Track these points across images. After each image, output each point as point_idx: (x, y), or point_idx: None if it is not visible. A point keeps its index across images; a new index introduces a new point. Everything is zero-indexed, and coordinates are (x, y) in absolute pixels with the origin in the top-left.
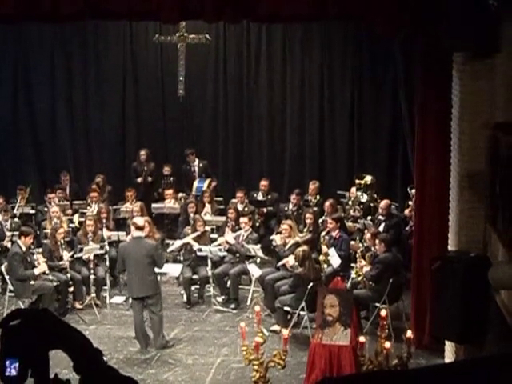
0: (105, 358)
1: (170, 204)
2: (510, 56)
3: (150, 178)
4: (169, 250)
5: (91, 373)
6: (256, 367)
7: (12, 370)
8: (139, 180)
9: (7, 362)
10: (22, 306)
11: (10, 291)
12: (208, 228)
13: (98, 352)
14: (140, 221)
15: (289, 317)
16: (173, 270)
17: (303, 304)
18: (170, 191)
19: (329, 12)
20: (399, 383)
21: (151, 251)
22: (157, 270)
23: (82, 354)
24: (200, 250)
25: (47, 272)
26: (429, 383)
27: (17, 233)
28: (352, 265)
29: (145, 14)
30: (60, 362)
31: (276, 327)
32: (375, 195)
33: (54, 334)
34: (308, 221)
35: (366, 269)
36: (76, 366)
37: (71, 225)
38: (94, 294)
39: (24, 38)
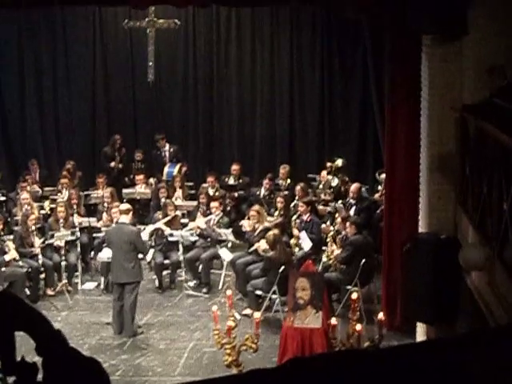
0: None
1: (140, 189)
2: (477, 39)
3: (120, 165)
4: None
5: (53, 355)
6: (228, 351)
7: None
8: (112, 164)
9: None
10: None
11: None
12: (179, 213)
13: (58, 333)
14: (124, 205)
15: (260, 300)
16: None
17: (275, 287)
18: (141, 176)
19: None
20: (367, 362)
21: (132, 237)
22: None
23: (42, 336)
24: (171, 234)
25: (18, 258)
26: (398, 362)
27: None
28: (323, 248)
29: None
30: (32, 349)
31: (248, 311)
32: (346, 178)
33: (16, 316)
34: (279, 205)
35: (337, 252)
36: (38, 348)
37: (42, 211)
38: (65, 281)
39: None
